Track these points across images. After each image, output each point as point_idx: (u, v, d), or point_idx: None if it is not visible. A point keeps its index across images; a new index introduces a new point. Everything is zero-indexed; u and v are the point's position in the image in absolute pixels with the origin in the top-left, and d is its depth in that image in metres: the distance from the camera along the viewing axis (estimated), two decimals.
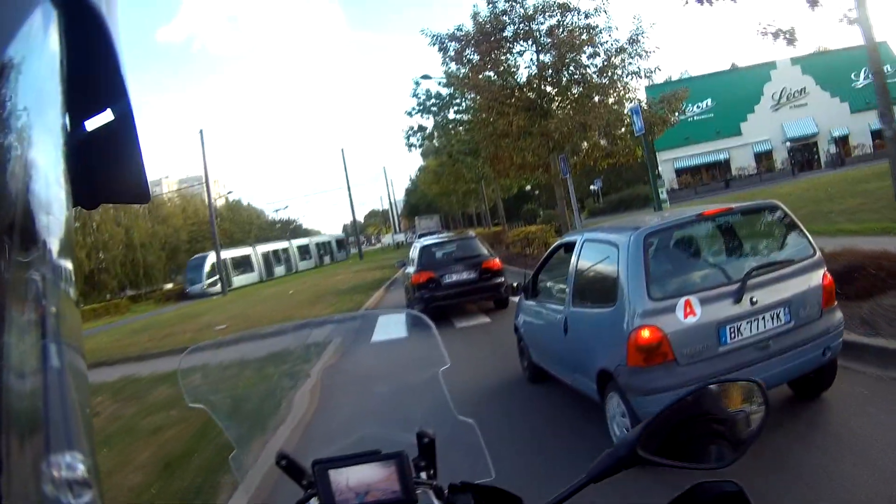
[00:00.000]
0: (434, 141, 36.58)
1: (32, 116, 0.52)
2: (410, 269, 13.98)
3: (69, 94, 0.59)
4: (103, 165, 0.73)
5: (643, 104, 19.07)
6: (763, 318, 4.55)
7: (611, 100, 20.56)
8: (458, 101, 31.58)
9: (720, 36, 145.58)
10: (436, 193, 53.47)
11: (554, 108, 20.88)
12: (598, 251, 5.37)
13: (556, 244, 6.83)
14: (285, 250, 63.11)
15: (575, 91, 20.59)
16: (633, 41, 19.78)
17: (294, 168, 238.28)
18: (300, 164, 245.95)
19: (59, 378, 0.53)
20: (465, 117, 30.93)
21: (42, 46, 0.54)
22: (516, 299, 7.79)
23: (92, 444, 0.60)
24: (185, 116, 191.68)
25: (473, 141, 27.41)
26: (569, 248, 6.06)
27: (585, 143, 20.77)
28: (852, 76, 50.03)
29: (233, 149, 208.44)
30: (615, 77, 20.12)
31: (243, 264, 54.63)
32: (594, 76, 20.29)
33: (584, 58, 20.20)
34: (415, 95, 33.77)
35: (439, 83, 29.86)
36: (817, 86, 50.42)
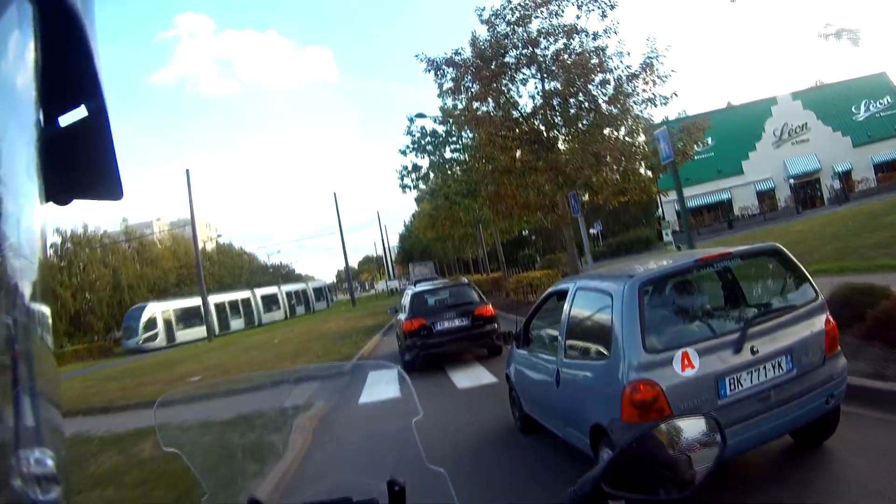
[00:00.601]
0: (429, 182, 35.26)
1: (6, 111, 0.54)
2: (402, 316, 14.05)
3: (43, 89, 0.61)
4: (76, 161, 0.75)
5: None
6: (764, 367, 4.47)
7: (622, 131, 19.18)
8: (454, 138, 30.79)
9: (716, 73, 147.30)
10: (430, 239, 53.32)
11: (560, 141, 19.59)
12: (591, 300, 5.31)
13: (548, 292, 6.77)
14: (246, 301, 57.41)
15: (585, 122, 18.87)
16: (646, 66, 18.15)
17: (288, 212, 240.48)
18: (294, 208, 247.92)
19: (29, 374, 0.55)
20: (463, 157, 30.16)
21: (16, 42, 0.55)
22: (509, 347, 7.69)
23: (62, 441, 0.63)
24: (178, 159, 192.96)
25: (471, 181, 26.60)
26: (561, 296, 6.01)
27: (595, 179, 18.92)
28: (853, 109, 50.64)
29: (225, 192, 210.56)
30: (627, 106, 18.46)
31: (189, 317, 48.22)
32: (604, 105, 18.51)
33: (593, 86, 18.48)
34: (409, 133, 32.39)
35: (435, 120, 29.40)
36: (818, 120, 50.68)
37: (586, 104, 18.78)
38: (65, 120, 0.74)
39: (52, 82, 0.64)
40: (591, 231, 57.90)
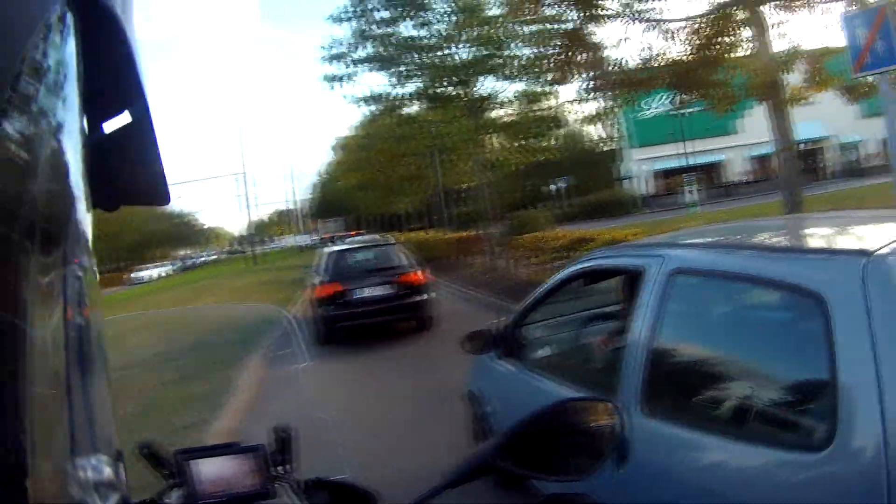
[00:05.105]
0: (374, 70, 21.27)
1: (50, 119, 0.58)
2: (317, 280, 13.70)
3: (87, 96, 0.66)
4: (122, 167, 0.83)
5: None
6: None
7: None
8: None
9: None
10: (352, 186, 50.07)
11: None
12: (738, 304, 3.02)
13: (571, 270, 4.35)
14: None
15: None
16: None
17: (205, 162, 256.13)
18: (212, 157, 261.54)
19: (83, 380, 0.61)
20: (427, 37, 19.77)
21: (59, 49, 0.60)
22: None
23: (117, 444, 0.70)
24: None
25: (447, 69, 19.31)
26: (594, 278, 4.41)
27: None
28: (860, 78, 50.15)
29: None
30: None
31: None
32: None
33: None
34: None
35: None
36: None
37: None
38: (109, 127, 0.79)
39: (95, 89, 0.68)
40: (553, 187, 55.88)
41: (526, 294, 5.00)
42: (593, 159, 63.54)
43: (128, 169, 0.83)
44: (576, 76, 11.68)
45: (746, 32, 10.09)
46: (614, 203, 50.03)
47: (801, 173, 45.25)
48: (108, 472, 0.64)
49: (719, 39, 10.32)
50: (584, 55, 11.02)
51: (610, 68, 11.00)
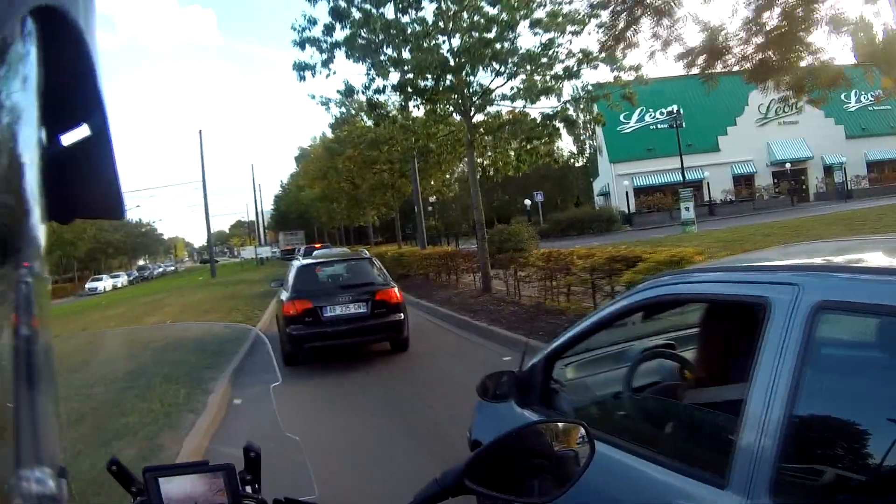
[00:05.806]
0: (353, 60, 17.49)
1: (8, 130, 0.59)
2: (284, 296, 13.10)
3: (45, 108, 0.67)
4: (78, 180, 0.81)
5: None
6: None
7: None
8: None
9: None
10: (316, 197, 48.85)
11: None
12: None
13: (637, 298, 3.36)
14: None
15: None
16: None
17: (167, 173, 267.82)
18: (172, 169, 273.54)
19: (30, 392, 0.61)
20: (417, 20, 16.88)
21: (20, 60, 0.61)
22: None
23: (59, 461, 0.69)
24: None
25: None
26: (666, 308, 3.87)
27: None
28: (842, 97, 50.15)
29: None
30: None
31: None
32: None
33: None
34: None
35: None
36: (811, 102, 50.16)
37: None
38: (67, 139, 0.78)
39: (54, 100, 0.69)
40: (527, 202, 55.46)
41: (538, 324, 4.13)
42: (566, 173, 63.00)
43: (84, 182, 0.81)
44: (638, 43, 10.13)
45: None
46: (594, 219, 49.05)
47: (791, 193, 44.16)
48: (51, 485, 0.63)
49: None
50: (656, 18, 9.47)
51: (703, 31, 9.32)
